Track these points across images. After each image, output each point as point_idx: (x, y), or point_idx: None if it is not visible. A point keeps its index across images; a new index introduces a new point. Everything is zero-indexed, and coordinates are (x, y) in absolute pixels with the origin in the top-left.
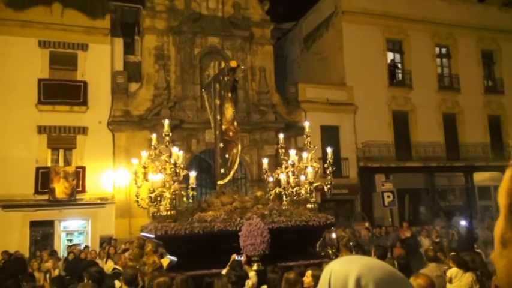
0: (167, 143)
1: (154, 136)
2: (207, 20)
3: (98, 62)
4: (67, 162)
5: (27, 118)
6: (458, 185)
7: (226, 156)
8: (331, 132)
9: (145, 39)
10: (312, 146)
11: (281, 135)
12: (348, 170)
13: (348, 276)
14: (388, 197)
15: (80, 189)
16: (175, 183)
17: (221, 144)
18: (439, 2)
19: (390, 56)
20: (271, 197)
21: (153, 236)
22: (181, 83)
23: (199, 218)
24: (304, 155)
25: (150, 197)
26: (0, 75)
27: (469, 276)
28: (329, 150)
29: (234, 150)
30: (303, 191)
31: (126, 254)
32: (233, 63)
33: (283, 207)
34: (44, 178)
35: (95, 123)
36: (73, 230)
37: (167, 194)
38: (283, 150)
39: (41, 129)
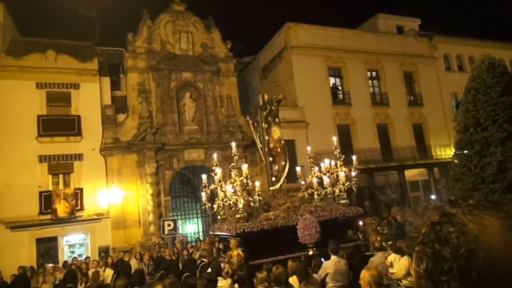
0: (236, 161)
1: (215, 156)
2: (180, 58)
3: (89, 98)
4: (66, 185)
5: (30, 149)
6: (393, 181)
7: (276, 167)
8: (289, 145)
9: (129, 77)
10: (340, 155)
11: (309, 148)
12: (305, 175)
13: None
14: None
15: (79, 207)
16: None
17: (270, 158)
18: (368, 36)
19: (332, 80)
20: (306, 196)
21: (231, 234)
22: (161, 112)
23: (265, 217)
24: (333, 162)
25: (230, 204)
26: (4, 114)
27: (405, 260)
28: (354, 157)
29: (282, 163)
30: (337, 191)
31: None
32: (280, 96)
33: (317, 204)
34: (46, 200)
35: (89, 150)
36: (75, 243)
37: (241, 200)
38: (312, 160)
39: (42, 159)
